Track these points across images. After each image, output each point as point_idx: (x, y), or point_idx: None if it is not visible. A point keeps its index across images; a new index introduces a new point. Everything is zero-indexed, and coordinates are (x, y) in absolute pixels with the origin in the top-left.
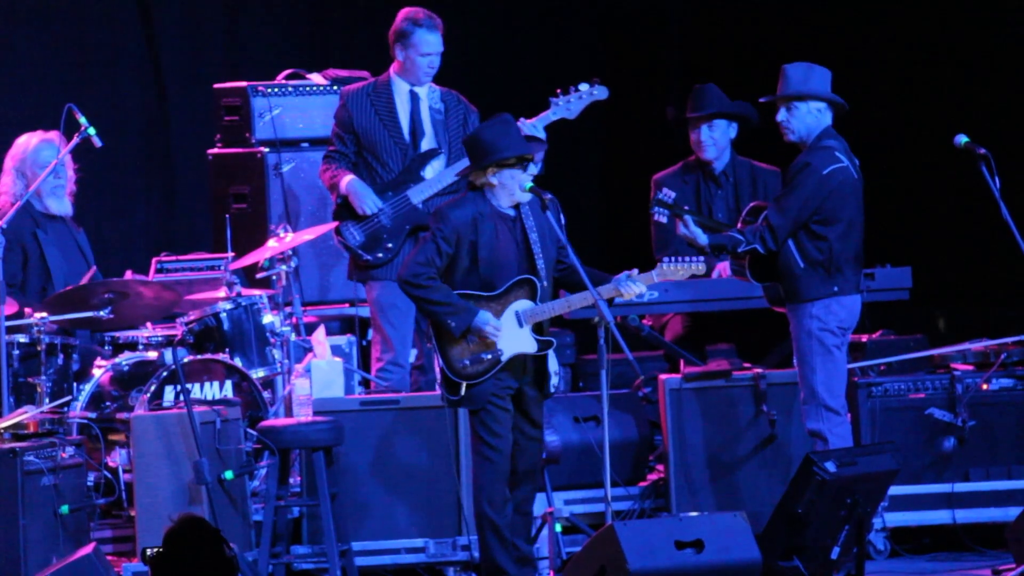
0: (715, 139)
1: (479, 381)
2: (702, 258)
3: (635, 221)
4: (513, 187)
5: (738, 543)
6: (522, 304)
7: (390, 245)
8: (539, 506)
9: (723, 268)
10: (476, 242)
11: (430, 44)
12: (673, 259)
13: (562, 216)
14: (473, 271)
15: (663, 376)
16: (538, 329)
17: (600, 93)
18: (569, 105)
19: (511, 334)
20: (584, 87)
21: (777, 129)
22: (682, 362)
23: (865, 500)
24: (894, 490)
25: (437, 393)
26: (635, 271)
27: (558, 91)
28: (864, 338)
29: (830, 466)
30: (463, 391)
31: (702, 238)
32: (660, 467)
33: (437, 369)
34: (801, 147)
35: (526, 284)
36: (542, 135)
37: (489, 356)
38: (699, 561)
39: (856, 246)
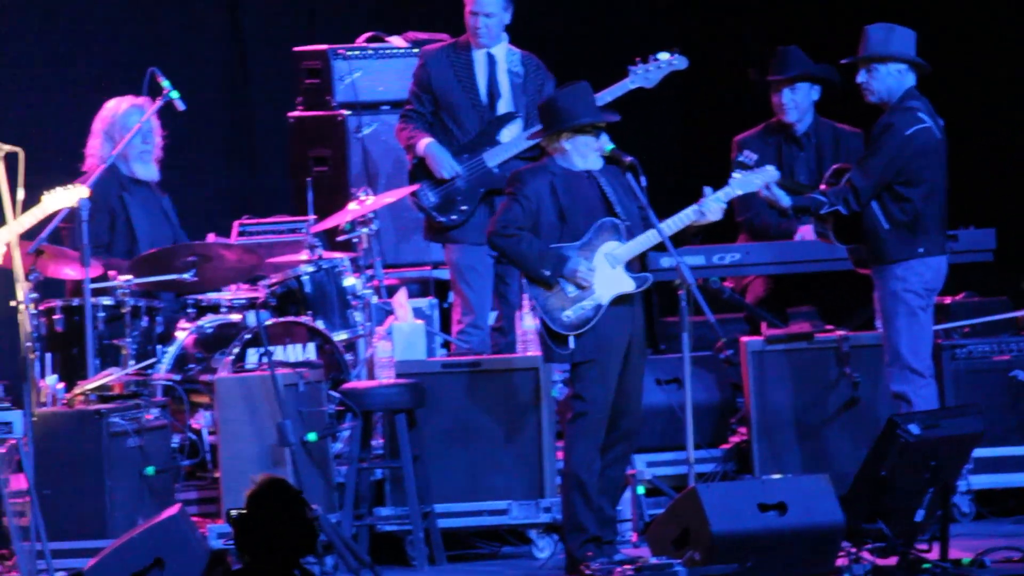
0: (797, 102)
1: (585, 330)
2: (772, 165)
3: (716, 183)
4: (586, 152)
5: (821, 506)
6: (609, 246)
7: (464, 207)
8: None
9: (806, 231)
10: (557, 202)
11: (477, 3)
12: (744, 172)
13: (643, 178)
14: (559, 227)
15: (745, 338)
16: (636, 268)
17: (679, 63)
18: (648, 74)
19: (606, 277)
20: (663, 56)
21: (860, 91)
22: (764, 324)
23: (949, 463)
24: (978, 452)
25: (518, 355)
26: (708, 189)
27: (636, 60)
28: (948, 300)
29: (914, 428)
30: (572, 343)
31: (785, 200)
32: (742, 430)
33: (517, 330)
34: (883, 108)
35: (609, 226)
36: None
37: (590, 302)
38: (782, 524)
39: (940, 207)
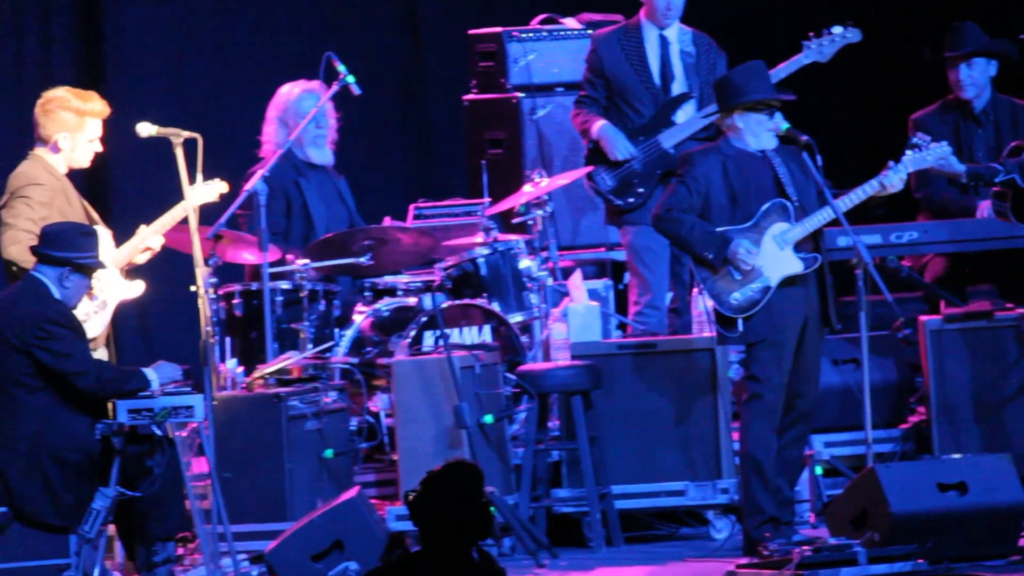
0: (974, 78)
1: (753, 312)
2: (944, 142)
3: (894, 162)
4: (758, 131)
5: (1003, 485)
6: (778, 227)
7: (641, 190)
8: None
9: (986, 207)
10: (728, 183)
11: None
12: (918, 149)
13: (819, 158)
14: (730, 209)
15: (923, 317)
16: (812, 248)
17: (853, 36)
18: (822, 48)
19: (774, 258)
20: (837, 30)
21: None
22: (942, 303)
23: None
24: None
25: (694, 336)
26: (890, 162)
27: (811, 34)
28: None
29: None
30: (740, 326)
31: (958, 166)
32: (921, 409)
33: (693, 311)
34: None
35: (778, 208)
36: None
37: (758, 284)
38: (963, 503)
39: None
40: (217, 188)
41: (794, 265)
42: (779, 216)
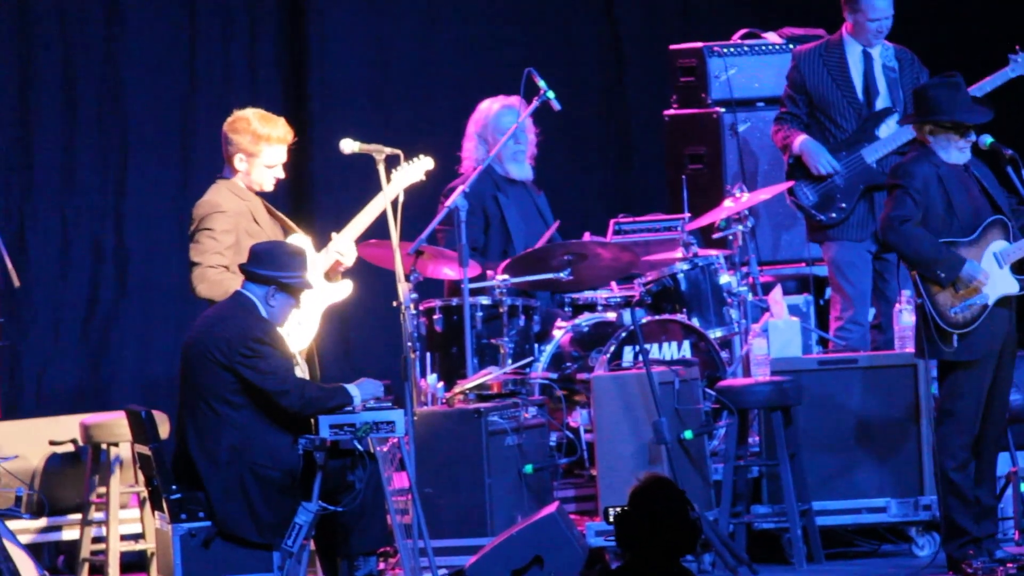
0: None
1: (970, 329)
2: None
3: None
4: (948, 148)
5: None
6: (999, 244)
7: (843, 205)
8: (1003, 465)
9: None
10: (944, 193)
11: (877, 9)
12: None
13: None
14: (946, 220)
15: None
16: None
17: None
18: None
19: (994, 276)
20: None
21: None
22: None
23: None
24: None
25: (896, 352)
26: None
27: (1016, 48)
28: None
29: None
30: (956, 341)
31: None
32: None
33: (896, 327)
34: None
35: (999, 224)
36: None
37: (978, 302)
38: None
39: None
40: (423, 165)
41: (1011, 285)
42: (999, 233)
